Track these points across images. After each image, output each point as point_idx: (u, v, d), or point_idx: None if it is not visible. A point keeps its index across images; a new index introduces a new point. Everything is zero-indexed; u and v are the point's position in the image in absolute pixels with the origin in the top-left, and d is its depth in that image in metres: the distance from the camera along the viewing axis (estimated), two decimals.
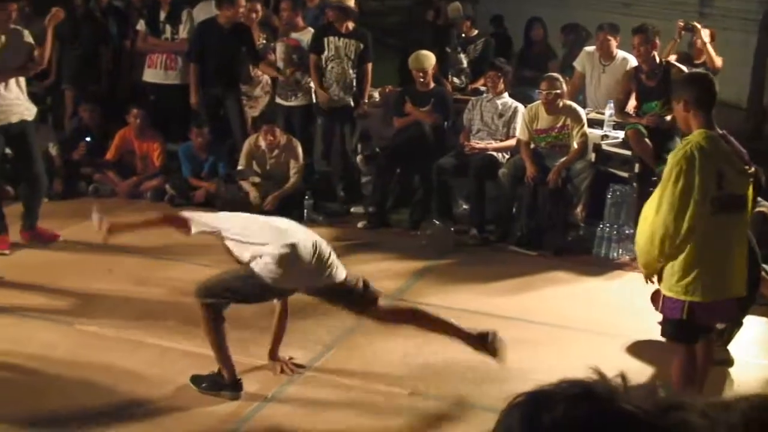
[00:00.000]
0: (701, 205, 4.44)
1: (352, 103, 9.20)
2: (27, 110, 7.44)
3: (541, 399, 1.11)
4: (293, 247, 4.91)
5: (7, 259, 7.31)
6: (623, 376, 1.14)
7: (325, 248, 5.07)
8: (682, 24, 9.06)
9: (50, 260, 7.38)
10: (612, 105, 8.27)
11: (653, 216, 4.53)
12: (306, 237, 5.05)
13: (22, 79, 7.39)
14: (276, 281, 4.91)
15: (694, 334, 4.79)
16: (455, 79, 10.19)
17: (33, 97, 7.97)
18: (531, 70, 10.32)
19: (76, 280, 6.88)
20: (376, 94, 9.78)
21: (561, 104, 8.00)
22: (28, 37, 7.39)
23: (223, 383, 5.07)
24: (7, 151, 7.91)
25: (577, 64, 9.13)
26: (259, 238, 5.00)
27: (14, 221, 7.67)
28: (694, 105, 4.60)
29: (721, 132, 4.64)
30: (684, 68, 7.62)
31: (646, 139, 7.77)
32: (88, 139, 9.58)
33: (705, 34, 9.18)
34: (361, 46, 9.12)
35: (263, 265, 4.89)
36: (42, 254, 7.50)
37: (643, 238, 4.61)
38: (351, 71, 9.13)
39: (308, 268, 4.96)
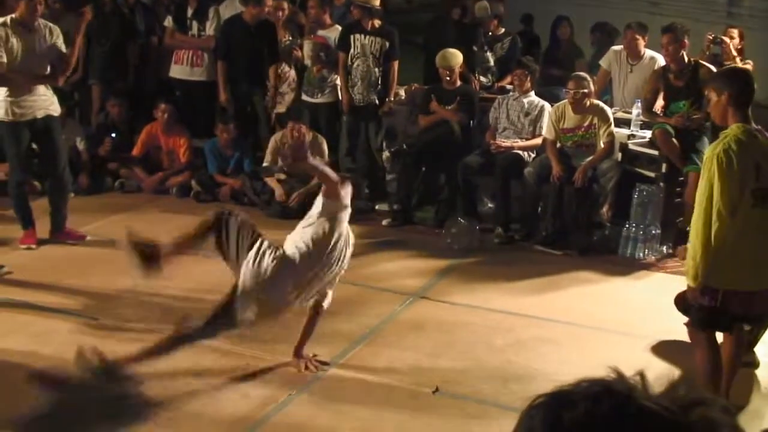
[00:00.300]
0: (741, 196, 4.54)
1: (377, 101, 9.19)
2: (52, 105, 7.46)
3: (561, 399, 1.11)
4: (282, 258, 5.14)
5: (33, 254, 7.35)
6: (642, 374, 1.13)
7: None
8: (710, 38, 8.98)
9: (75, 255, 7.42)
10: (639, 104, 8.23)
11: (703, 219, 4.55)
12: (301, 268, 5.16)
13: (34, 43, 7.36)
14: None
15: (723, 322, 4.81)
16: (482, 78, 10.17)
17: (60, 92, 8.00)
18: (558, 69, 10.27)
19: (101, 275, 6.89)
20: (402, 92, 9.77)
21: (588, 103, 7.96)
22: (59, 38, 7.39)
23: None
24: (34, 146, 7.95)
25: (603, 62, 9.08)
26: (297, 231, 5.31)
27: (40, 216, 7.71)
28: (735, 99, 4.69)
29: (757, 127, 4.71)
30: (713, 68, 7.56)
31: (674, 139, 7.72)
32: (113, 135, 9.63)
33: (734, 33, 9.10)
34: (387, 44, 9.11)
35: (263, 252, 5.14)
36: (67, 249, 7.54)
37: (698, 240, 4.61)
38: (376, 69, 9.13)
39: (271, 287, 5.14)
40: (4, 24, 7.10)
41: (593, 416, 1.06)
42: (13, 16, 7.14)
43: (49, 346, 5.57)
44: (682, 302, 5.29)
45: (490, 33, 10.47)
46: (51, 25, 7.43)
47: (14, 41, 7.10)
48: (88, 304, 6.34)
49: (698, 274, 4.65)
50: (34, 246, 7.43)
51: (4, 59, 7.03)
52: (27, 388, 4.98)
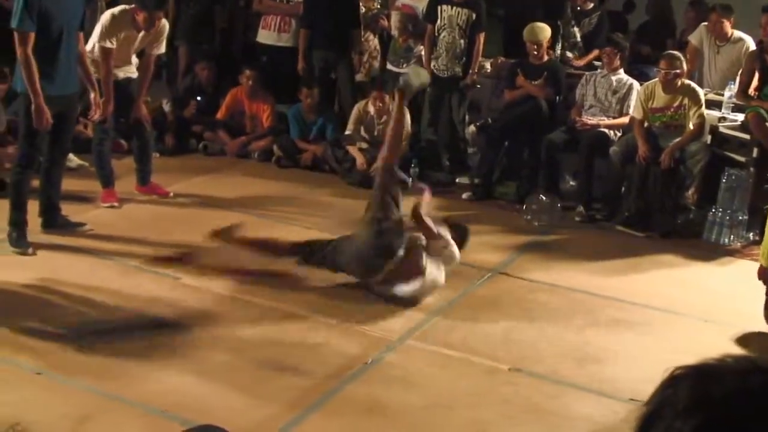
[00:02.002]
0: None
1: (461, 73, 9.12)
2: (132, 67, 7.66)
3: (709, 371, 1.10)
4: None
5: (117, 212, 7.46)
6: None
7: None
8: None
9: (158, 214, 7.52)
10: (732, 86, 8.03)
11: None
12: None
13: (137, 40, 7.50)
14: None
15: None
16: (568, 53, 10.01)
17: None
18: (648, 47, 10.07)
19: (183, 234, 6.98)
20: (488, 65, 9.67)
21: (679, 84, 7.78)
22: (161, 37, 7.61)
23: None
24: None
25: (693, 38, 8.91)
26: None
27: (126, 174, 7.85)
28: None
29: None
30: None
31: (767, 124, 7.53)
32: (199, 98, 9.73)
33: None
34: (474, 15, 9.02)
35: None
36: (151, 208, 7.65)
37: None
38: (461, 41, 9.05)
39: None
40: (123, 14, 7.28)
41: (744, 391, 1.05)
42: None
43: (131, 301, 5.66)
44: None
45: (578, 8, 10.28)
46: (162, 23, 7.55)
47: (121, 35, 7.28)
48: (171, 263, 6.41)
49: None
50: (116, 204, 7.54)
51: (112, 46, 7.20)
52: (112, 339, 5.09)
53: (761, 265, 4.70)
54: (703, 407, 1.05)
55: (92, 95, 6.83)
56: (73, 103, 6.63)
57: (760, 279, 4.76)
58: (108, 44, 7.18)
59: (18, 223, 6.41)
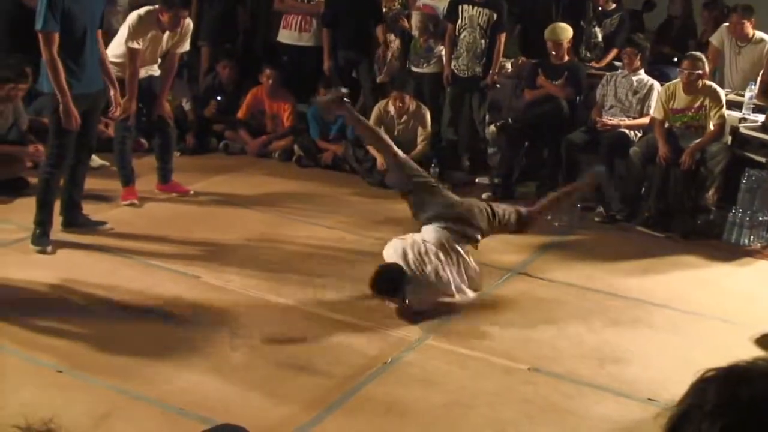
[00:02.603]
0: None
1: (481, 74, 9.11)
2: (154, 66, 7.70)
3: (738, 375, 1.10)
4: None
5: (138, 211, 7.50)
6: None
7: None
8: None
9: (179, 213, 7.56)
10: (753, 87, 8.01)
11: None
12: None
13: (163, 41, 7.54)
14: None
15: None
16: (588, 53, 9.99)
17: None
18: (670, 47, 10.03)
19: (204, 233, 7.02)
20: (509, 65, 9.66)
21: (701, 84, 7.76)
22: (185, 37, 7.67)
23: None
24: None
25: (714, 39, 8.89)
26: None
27: (147, 172, 7.89)
28: None
29: None
30: None
31: None
32: (219, 98, 9.76)
33: None
34: (495, 15, 9.01)
35: None
36: (171, 207, 7.69)
37: None
38: (482, 41, 9.04)
39: None
40: (149, 15, 7.33)
41: None
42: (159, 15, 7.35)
43: (150, 300, 5.68)
44: None
45: (599, 8, 10.25)
46: (187, 22, 7.60)
47: (148, 36, 7.35)
48: (190, 261, 6.44)
49: None
50: (137, 202, 7.59)
51: (139, 46, 7.28)
52: (129, 339, 5.12)
53: None
54: (730, 409, 1.05)
55: (112, 93, 6.87)
56: (98, 101, 6.67)
57: None
58: (135, 45, 7.23)
59: (43, 222, 6.46)
